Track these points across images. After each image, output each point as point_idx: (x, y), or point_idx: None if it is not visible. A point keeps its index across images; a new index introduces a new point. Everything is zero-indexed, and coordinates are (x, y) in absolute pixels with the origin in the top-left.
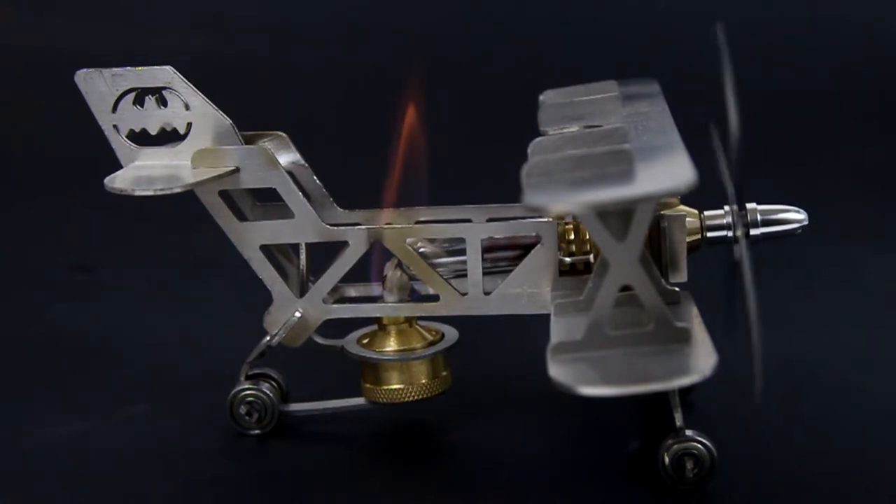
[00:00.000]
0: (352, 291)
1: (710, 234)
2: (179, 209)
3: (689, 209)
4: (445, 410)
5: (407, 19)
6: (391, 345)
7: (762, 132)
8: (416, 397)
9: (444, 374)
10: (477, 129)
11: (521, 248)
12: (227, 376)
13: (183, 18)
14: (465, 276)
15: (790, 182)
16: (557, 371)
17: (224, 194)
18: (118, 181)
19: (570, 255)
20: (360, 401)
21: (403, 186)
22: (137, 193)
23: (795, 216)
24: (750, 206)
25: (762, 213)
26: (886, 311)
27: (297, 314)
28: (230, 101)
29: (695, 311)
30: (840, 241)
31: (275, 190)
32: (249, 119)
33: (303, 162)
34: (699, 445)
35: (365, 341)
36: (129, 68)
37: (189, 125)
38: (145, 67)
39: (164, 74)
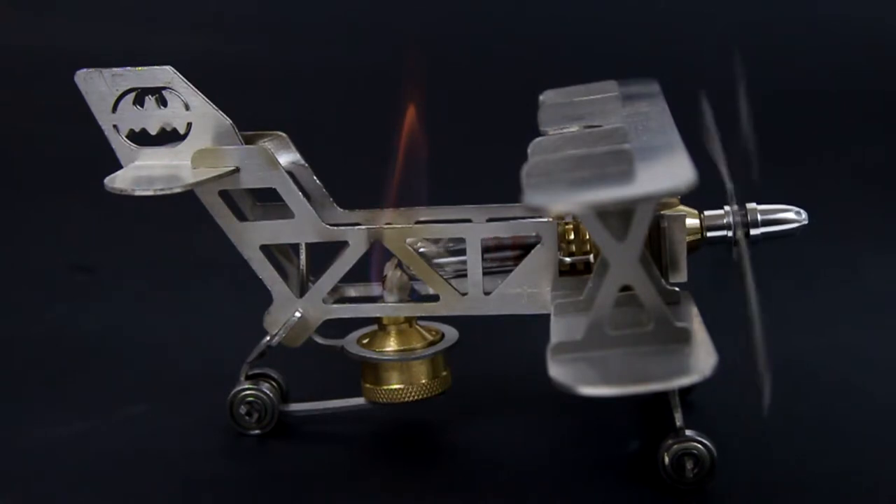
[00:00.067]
0: (352, 291)
1: (710, 234)
2: (179, 209)
3: (689, 209)
4: (445, 410)
5: (407, 19)
6: (391, 345)
7: (762, 132)
8: (416, 397)
9: (444, 374)
10: (477, 129)
11: (522, 248)
12: (227, 376)
13: (183, 18)
14: (465, 276)
15: (790, 182)
16: (557, 371)
17: (224, 194)
18: (118, 181)
19: (570, 255)
20: (360, 401)
21: (403, 186)
22: (137, 193)
23: (795, 216)
24: (750, 206)
25: (762, 213)
26: (886, 311)
27: (297, 314)
28: (230, 101)
29: (695, 311)
30: (840, 241)
31: (275, 190)
32: (249, 119)
33: (303, 162)
34: (699, 445)
35: (365, 341)
36: (129, 68)
37: (189, 125)
38: (145, 67)
39: (164, 74)
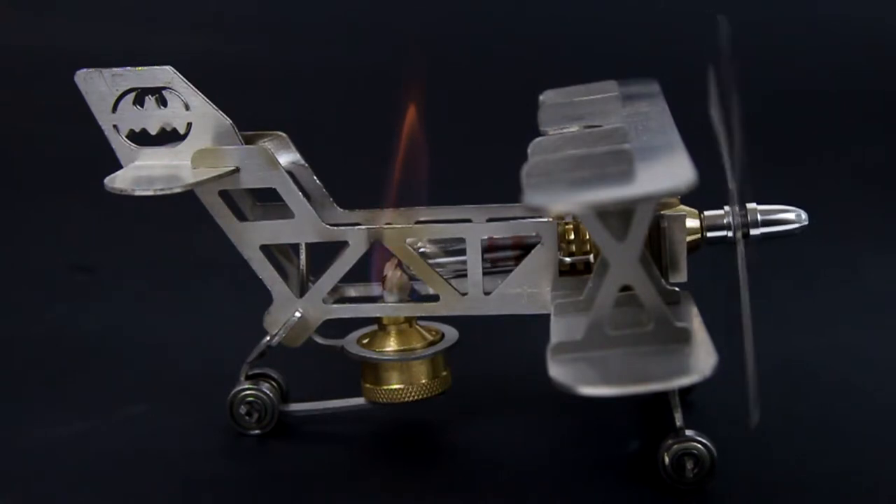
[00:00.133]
0: (352, 291)
1: (710, 234)
2: (179, 209)
3: (689, 209)
4: (445, 410)
5: (407, 19)
6: (391, 345)
7: (762, 132)
8: (416, 397)
9: (444, 374)
10: (477, 129)
11: (522, 248)
12: (227, 376)
13: (183, 18)
14: (465, 276)
15: (790, 182)
16: (557, 371)
17: (224, 194)
18: (118, 181)
19: (570, 255)
20: (360, 401)
21: (403, 186)
22: (137, 193)
23: (795, 216)
24: (750, 206)
25: (762, 213)
26: (886, 311)
27: (297, 314)
28: (230, 101)
29: (695, 311)
30: (840, 241)
31: (275, 190)
32: (249, 119)
33: (303, 162)
34: (699, 445)
35: (365, 341)
36: (129, 68)
37: (189, 125)
38: (145, 67)
39: (164, 74)
